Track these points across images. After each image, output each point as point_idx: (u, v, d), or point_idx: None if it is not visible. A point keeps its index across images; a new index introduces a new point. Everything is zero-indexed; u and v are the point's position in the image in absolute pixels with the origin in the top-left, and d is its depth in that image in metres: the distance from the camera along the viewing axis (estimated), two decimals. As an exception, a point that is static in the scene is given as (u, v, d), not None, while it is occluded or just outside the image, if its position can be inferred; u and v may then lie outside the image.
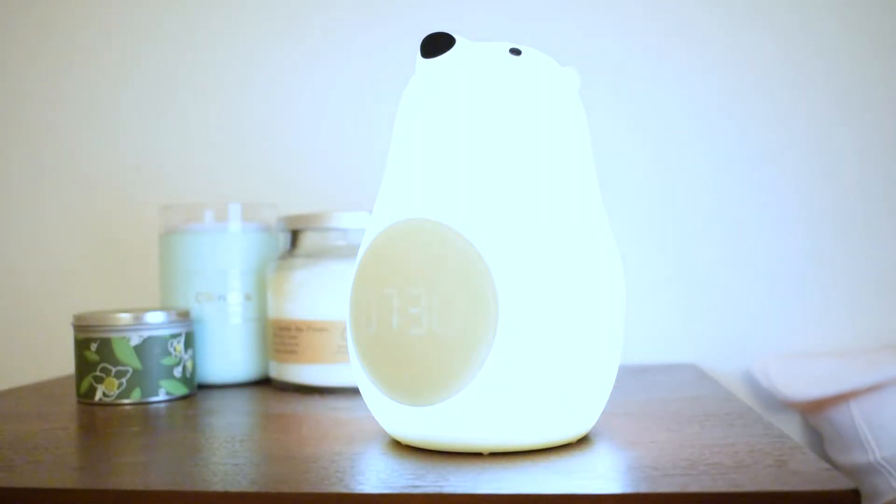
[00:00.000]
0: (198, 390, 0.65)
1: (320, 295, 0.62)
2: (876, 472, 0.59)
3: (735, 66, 0.76)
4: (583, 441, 0.45)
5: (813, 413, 0.69)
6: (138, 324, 0.59)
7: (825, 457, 0.69)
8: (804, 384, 0.67)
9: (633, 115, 0.77)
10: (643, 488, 0.36)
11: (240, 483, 0.39)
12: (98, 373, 0.59)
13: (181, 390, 0.61)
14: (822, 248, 0.75)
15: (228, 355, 0.67)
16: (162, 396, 0.60)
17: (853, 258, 0.75)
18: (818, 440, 0.72)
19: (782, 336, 0.75)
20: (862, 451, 0.62)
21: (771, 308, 0.75)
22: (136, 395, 0.59)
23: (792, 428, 0.74)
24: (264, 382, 0.68)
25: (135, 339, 0.59)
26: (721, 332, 0.76)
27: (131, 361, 0.59)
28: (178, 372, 0.61)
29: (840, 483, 0.35)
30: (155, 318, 0.60)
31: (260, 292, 0.67)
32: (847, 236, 0.75)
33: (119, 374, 0.59)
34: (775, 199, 0.76)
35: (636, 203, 0.77)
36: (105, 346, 0.59)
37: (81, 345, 0.60)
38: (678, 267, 0.77)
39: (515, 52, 0.45)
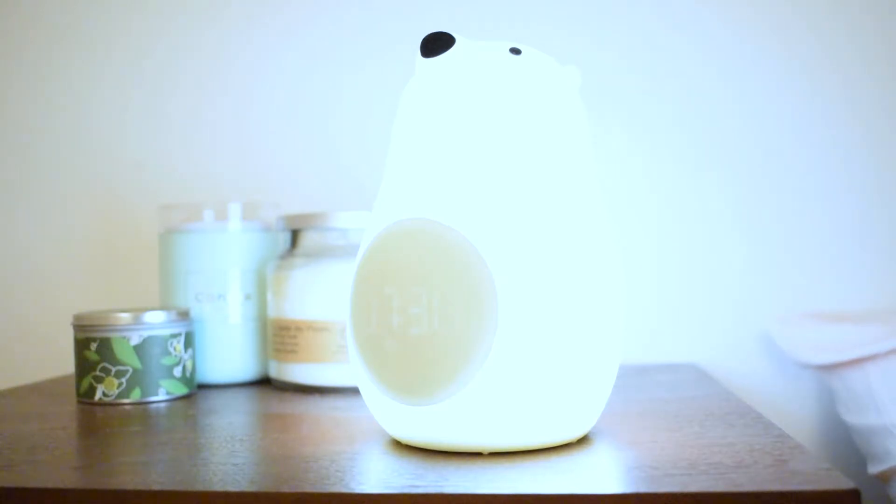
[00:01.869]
0: (198, 390, 0.65)
1: (320, 295, 0.62)
2: (889, 435, 0.59)
3: (739, 63, 0.76)
4: (583, 441, 0.45)
5: (827, 373, 0.68)
6: (138, 323, 0.59)
7: (837, 417, 0.68)
8: (823, 348, 0.67)
9: (633, 114, 0.77)
10: (643, 488, 0.36)
11: (240, 483, 0.39)
12: (98, 372, 0.59)
13: (181, 390, 0.61)
14: (823, 247, 0.75)
15: (228, 355, 0.67)
16: (162, 396, 0.60)
17: (855, 257, 0.75)
18: (829, 413, 0.71)
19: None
20: (876, 414, 0.62)
21: (772, 307, 0.75)
22: (135, 395, 0.59)
23: (806, 387, 0.74)
24: (264, 382, 0.68)
25: (135, 339, 0.59)
26: (721, 332, 0.76)
27: (131, 361, 0.59)
28: (177, 371, 0.61)
29: (840, 483, 0.35)
30: (155, 317, 0.60)
31: (260, 292, 0.67)
32: (851, 237, 0.75)
33: (119, 374, 0.59)
34: (776, 198, 0.76)
35: (637, 203, 0.77)
36: (105, 346, 0.59)
37: (81, 345, 0.60)
38: (678, 267, 0.77)
39: (515, 51, 0.45)
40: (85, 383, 0.60)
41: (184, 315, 0.62)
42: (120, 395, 0.59)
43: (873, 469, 0.61)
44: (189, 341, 0.62)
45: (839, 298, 0.75)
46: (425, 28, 0.47)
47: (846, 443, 0.70)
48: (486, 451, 0.42)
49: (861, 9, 0.75)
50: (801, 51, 0.76)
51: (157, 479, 0.40)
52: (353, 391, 0.60)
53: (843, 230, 0.75)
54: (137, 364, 0.59)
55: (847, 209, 0.75)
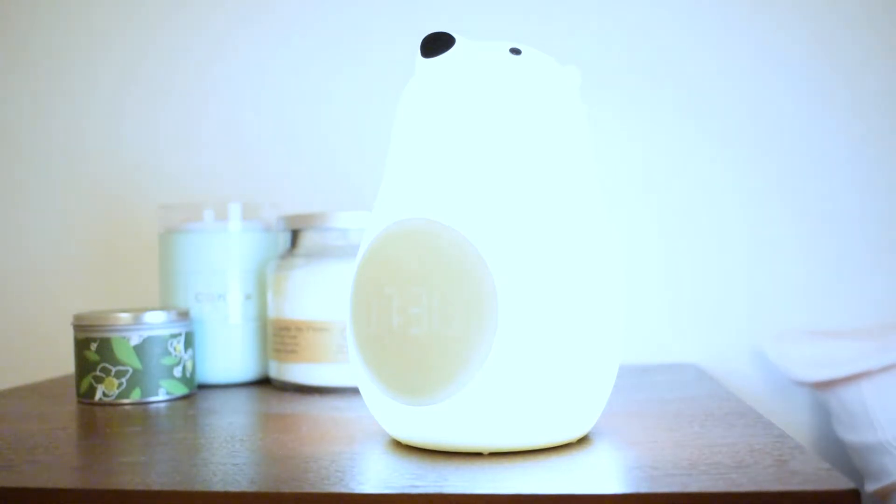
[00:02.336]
0: (198, 390, 0.65)
1: (320, 295, 0.62)
2: (885, 452, 0.59)
3: (743, 62, 0.76)
4: (583, 441, 0.45)
5: (822, 390, 0.69)
6: (138, 324, 0.59)
7: (833, 434, 0.69)
8: (817, 364, 0.67)
9: (634, 115, 0.77)
10: (643, 488, 0.36)
11: (240, 483, 0.39)
12: (98, 373, 0.59)
13: (181, 390, 0.61)
14: (824, 244, 0.75)
15: (228, 355, 0.67)
16: (162, 396, 0.60)
17: (855, 256, 0.75)
18: (827, 417, 0.71)
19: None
20: (871, 431, 0.62)
21: (772, 307, 0.75)
22: (136, 395, 0.59)
23: (801, 404, 0.74)
24: (264, 382, 0.68)
25: (135, 339, 0.59)
26: (721, 331, 0.76)
27: (131, 361, 0.59)
28: (177, 372, 0.61)
29: (840, 483, 0.35)
30: (155, 317, 0.60)
31: (260, 292, 0.67)
32: (847, 234, 0.75)
33: (119, 374, 0.59)
34: (775, 197, 0.76)
35: (637, 203, 0.77)
36: (105, 346, 0.59)
37: (81, 345, 0.60)
38: (679, 267, 0.77)
39: (515, 51, 0.45)
40: (85, 383, 0.60)
41: (184, 315, 0.62)
42: (120, 395, 0.59)
43: (871, 487, 0.61)
44: (189, 341, 0.62)
45: (838, 303, 0.75)
46: (425, 28, 0.47)
47: (843, 458, 0.69)
48: (486, 452, 0.42)
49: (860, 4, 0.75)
50: (817, 71, 0.76)
51: (157, 479, 0.40)
52: (353, 391, 0.60)
53: (843, 241, 0.75)
54: (137, 364, 0.59)
55: (849, 218, 0.75)
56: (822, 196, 0.75)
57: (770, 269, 0.76)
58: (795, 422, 0.74)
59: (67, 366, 0.75)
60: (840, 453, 0.71)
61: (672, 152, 0.77)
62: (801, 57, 0.76)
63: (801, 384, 0.71)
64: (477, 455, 0.42)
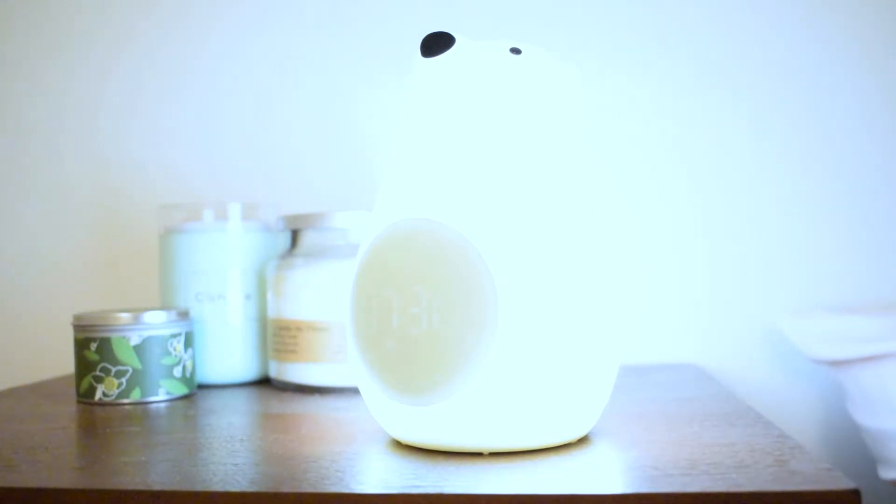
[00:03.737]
0: (198, 390, 0.65)
1: (320, 295, 0.62)
2: None
3: (743, 63, 0.76)
4: (583, 441, 0.45)
5: (838, 369, 0.65)
6: (138, 323, 0.59)
7: (839, 418, 0.67)
8: (835, 341, 0.64)
9: (635, 117, 0.77)
10: (643, 488, 0.36)
11: (240, 483, 0.39)
12: (98, 372, 0.59)
13: (181, 390, 0.61)
14: (826, 243, 0.75)
15: (228, 355, 0.67)
16: (162, 396, 0.60)
17: (861, 254, 0.75)
18: (828, 416, 0.70)
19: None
20: (892, 417, 0.59)
21: (773, 308, 0.75)
22: (135, 395, 0.59)
23: (801, 403, 0.74)
24: (264, 382, 0.68)
25: (134, 339, 0.59)
26: (721, 331, 0.76)
27: (131, 361, 0.59)
28: (177, 371, 0.61)
29: (840, 483, 0.35)
30: (155, 317, 0.60)
31: (260, 292, 0.67)
32: (853, 235, 0.75)
33: (119, 374, 0.59)
34: (775, 196, 0.76)
35: (637, 203, 0.77)
36: (105, 346, 0.59)
37: (81, 344, 0.60)
38: (678, 266, 0.77)
39: (515, 51, 0.45)
40: (85, 383, 0.60)
41: (184, 315, 0.62)
42: (120, 395, 0.59)
43: (886, 474, 0.59)
44: (189, 341, 0.62)
45: (845, 299, 0.74)
46: (425, 28, 0.47)
47: (849, 444, 0.69)
48: (486, 452, 0.42)
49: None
50: (835, 45, 0.75)
51: (157, 479, 0.40)
52: (353, 391, 0.60)
53: (849, 230, 0.75)
54: (137, 364, 0.59)
55: (854, 207, 0.75)
56: (823, 197, 0.75)
57: (772, 269, 0.76)
58: (796, 421, 0.74)
59: (67, 366, 0.75)
60: (842, 450, 0.71)
61: (674, 152, 0.77)
62: (825, 45, 0.76)
63: (817, 362, 0.67)
64: (477, 455, 0.42)
